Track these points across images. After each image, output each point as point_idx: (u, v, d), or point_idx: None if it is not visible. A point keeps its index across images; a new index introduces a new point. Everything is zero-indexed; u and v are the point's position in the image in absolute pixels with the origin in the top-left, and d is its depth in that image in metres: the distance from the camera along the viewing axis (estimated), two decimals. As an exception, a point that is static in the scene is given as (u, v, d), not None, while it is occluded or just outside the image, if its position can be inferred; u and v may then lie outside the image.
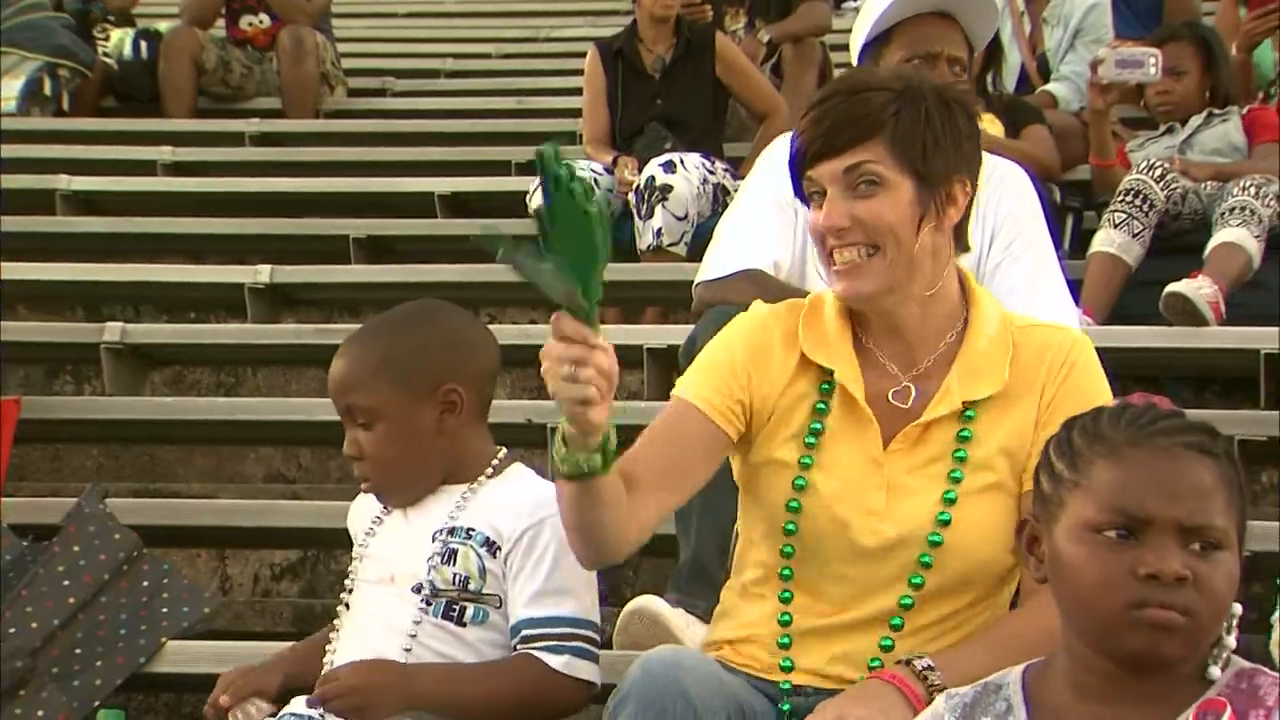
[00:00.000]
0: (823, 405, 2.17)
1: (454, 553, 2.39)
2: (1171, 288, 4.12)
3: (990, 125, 4.77)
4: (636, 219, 4.98)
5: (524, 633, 2.37)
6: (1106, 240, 4.40)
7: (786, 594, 2.17)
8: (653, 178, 4.94)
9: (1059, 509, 1.75)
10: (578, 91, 5.65)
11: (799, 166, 2.18)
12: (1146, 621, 1.69)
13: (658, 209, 4.92)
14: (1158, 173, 4.46)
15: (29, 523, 3.27)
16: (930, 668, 2.02)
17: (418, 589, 2.40)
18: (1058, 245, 4.59)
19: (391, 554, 2.45)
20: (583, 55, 5.61)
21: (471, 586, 2.39)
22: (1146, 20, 5.85)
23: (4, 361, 4.36)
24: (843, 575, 2.14)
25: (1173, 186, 4.49)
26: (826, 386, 2.18)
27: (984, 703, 1.79)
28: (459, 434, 2.42)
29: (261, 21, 6.90)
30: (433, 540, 2.41)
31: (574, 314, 1.87)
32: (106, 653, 2.90)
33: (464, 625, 2.39)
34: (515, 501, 2.41)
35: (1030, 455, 2.10)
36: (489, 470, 2.45)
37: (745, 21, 6.19)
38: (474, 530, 2.40)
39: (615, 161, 5.14)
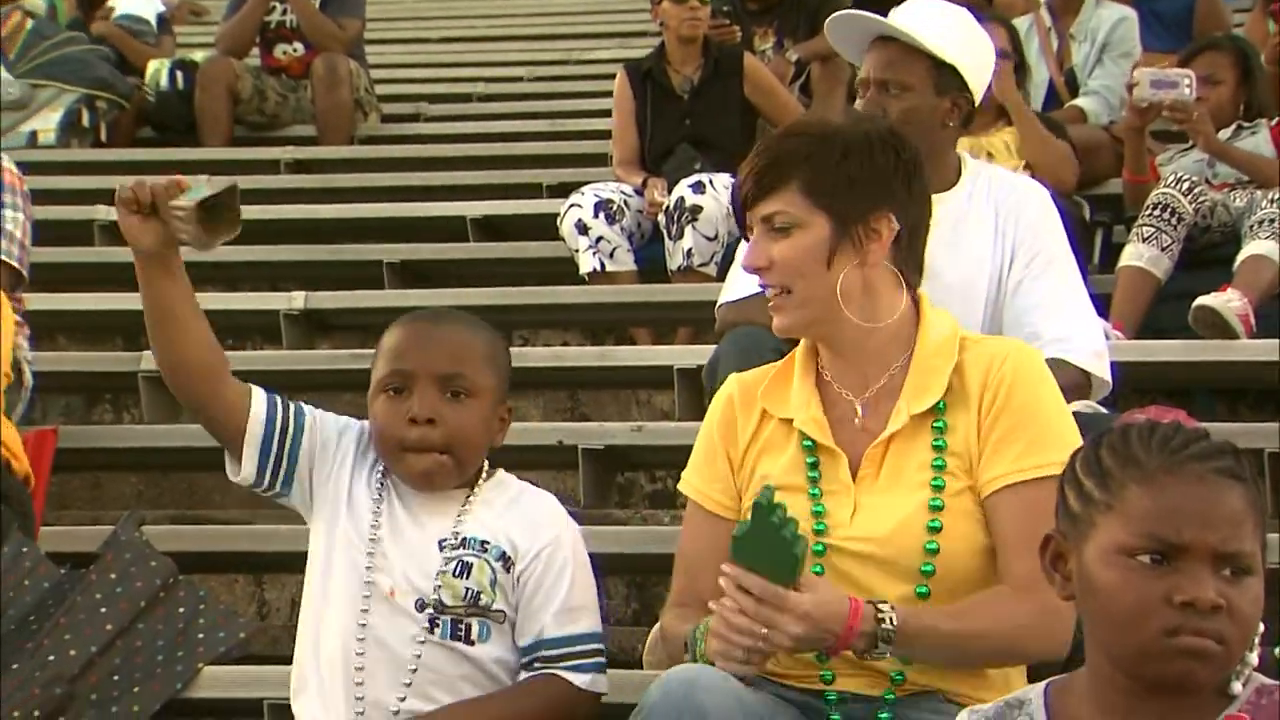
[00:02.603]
0: (813, 460, 2.29)
1: (468, 566, 2.37)
2: (1201, 301, 4.12)
3: (1011, 138, 4.78)
4: (667, 240, 5.03)
5: (544, 652, 2.36)
6: (1135, 254, 4.41)
7: None
8: (682, 199, 4.97)
9: (1089, 529, 1.75)
10: (608, 113, 5.68)
11: (740, 203, 2.35)
12: (1182, 649, 1.69)
13: (687, 230, 4.95)
14: (1185, 186, 4.46)
15: (69, 551, 3.31)
16: (889, 610, 2.11)
17: (421, 605, 2.35)
18: (1085, 261, 4.60)
19: (388, 564, 2.38)
20: (613, 77, 5.65)
21: (482, 601, 2.36)
22: (1176, 33, 5.85)
23: (44, 391, 4.40)
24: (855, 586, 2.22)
25: (1201, 200, 4.49)
26: (809, 444, 2.30)
27: (1007, 717, 1.80)
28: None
29: (296, 50, 6.98)
30: (440, 550, 2.38)
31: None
32: (144, 679, 2.92)
33: (472, 644, 2.36)
34: (530, 516, 2.40)
35: (975, 465, 2.22)
36: (482, 477, 2.44)
37: (774, 41, 6.21)
38: (489, 543, 2.38)
39: (645, 183, 5.18)
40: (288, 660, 3.41)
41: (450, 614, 2.35)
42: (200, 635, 3.01)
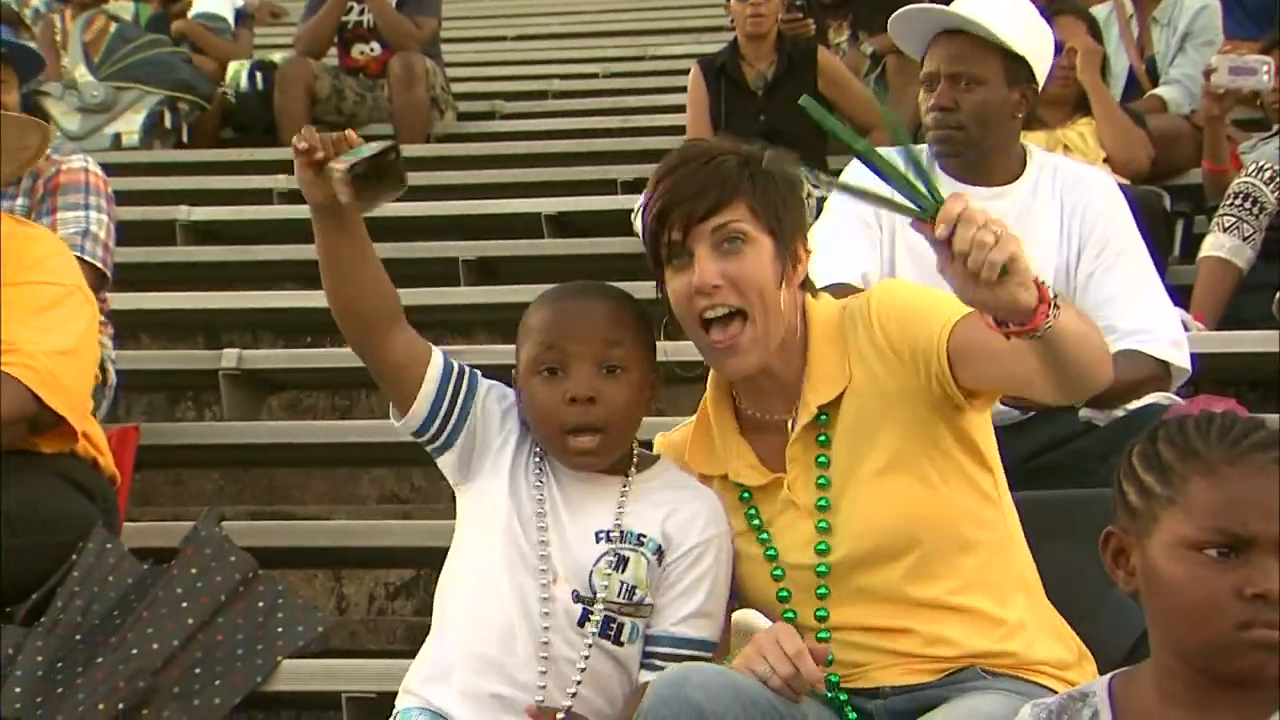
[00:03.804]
0: (752, 510, 2.33)
1: (625, 560, 2.31)
2: (1285, 291, 4.06)
3: (1088, 130, 4.73)
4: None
5: (664, 649, 2.31)
6: (1216, 244, 4.35)
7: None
8: (756, 192, 4.96)
9: (1151, 524, 1.74)
10: (683, 109, 5.68)
11: (657, 229, 2.27)
12: (1255, 642, 1.68)
13: (763, 223, 4.94)
14: (1267, 175, 4.39)
15: (152, 546, 3.36)
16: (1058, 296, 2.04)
17: (577, 598, 2.29)
18: (1165, 252, 4.55)
19: (550, 548, 2.31)
20: (687, 73, 5.65)
21: (636, 596, 2.30)
22: (1259, 20, 5.75)
23: (127, 389, 4.47)
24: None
25: (1283, 188, 4.42)
26: (746, 495, 2.33)
27: (1070, 710, 1.79)
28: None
29: (373, 50, 7.03)
30: (597, 541, 2.31)
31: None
32: (224, 672, 2.96)
33: (621, 645, 2.30)
34: (690, 511, 2.34)
35: (927, 361, 2.21)
36: (634, 463, 2.38)
37: (848, 34, 6.19)
38: (646, 537, 2.32)
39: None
40: (367, 655, 3.46)
41: (605, 610, 2.30)
42: (279, 629, 3.05)
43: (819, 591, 2.27)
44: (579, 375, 2.30)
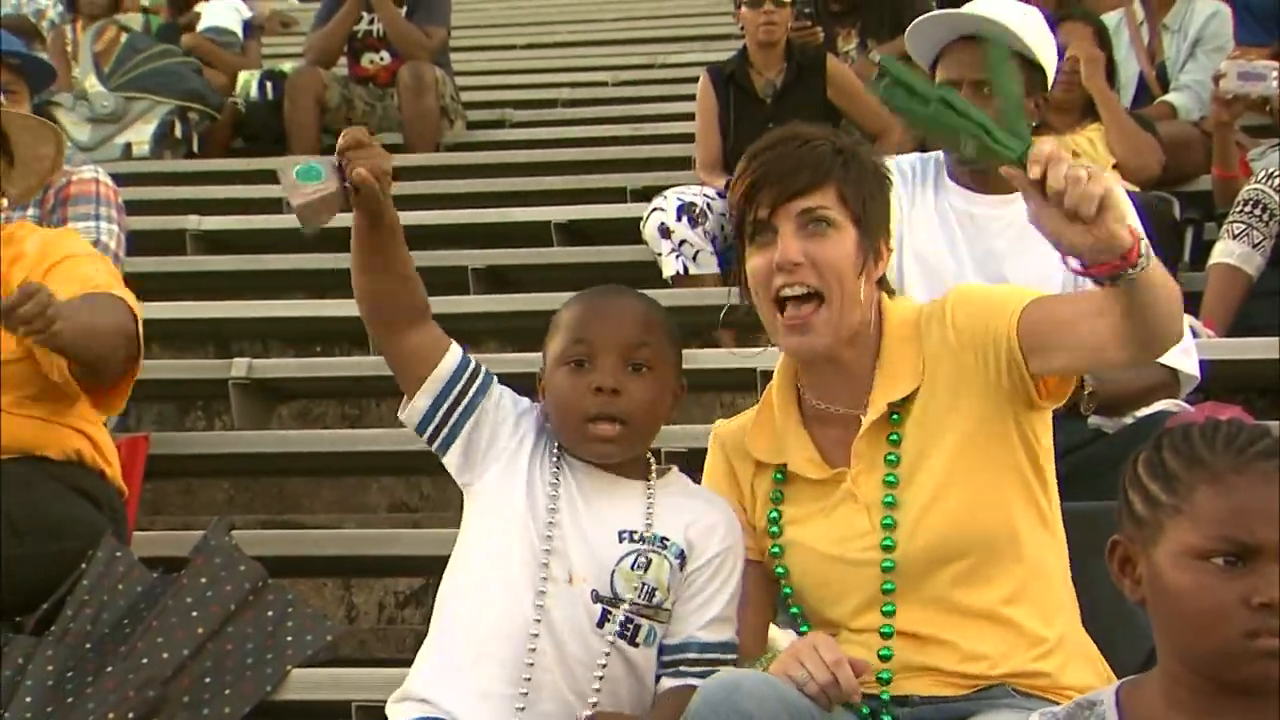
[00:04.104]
0: (777, 494, 2.34)
1: (648, 561, 2.30)
2: (1294, 297, 4.05)
3: (1097, 135, 4.73)
4: (751, 243, 5.01)
5: (690, 655, 2.31)
6: (1226, 251, 4.34)
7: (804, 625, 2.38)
8: (766, 201, 4.96)
9: (1157, 532, 1.74)
10: (692, 117, 5.68)
11: (744, 206, 2.27)
12: (1262, 651, 1.68)
13: (771, 232, 4.94)
14: (1276, 181, 4.39)
15: (162, 555, 3.37)
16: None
17: (596, 597, 2.29)
18: (1175, 258, 4.54)
19: (567, 546, 2.32)
20: (696, 81, 5.65)
21: (656, 598, 2.30)
22: (1269, 27, 5.74)
23: (137, 399, 4.48)
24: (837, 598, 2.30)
25: (1293, 194, 4.41)
26: (779, 477, 2.34)
27: (1079, 717, 1.79)
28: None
29: (382, 59, 7.04)
30: (620, 541, 2.32)
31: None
32: (234, 681, 2.96)
33: (636, 646, 2.31)
34: (709, 519, 2.35)
35: (997, 347, 2.21)
36: (654, 471, 2.40)
37: (857, 42, 6.19)
38: (669, 540, 2.33)
39: (728, 185, 5.16)
40: (376, 663, 3.46)
41: (623, 610, 2.30)
42: (289, 638, 3.05)
43: (885, 587, 2.25)
44: (605, 367, 2.33)
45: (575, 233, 5.71)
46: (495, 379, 2.43)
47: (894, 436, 2.27)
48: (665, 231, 5.06)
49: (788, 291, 2.24)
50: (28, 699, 2.79)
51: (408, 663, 2.57)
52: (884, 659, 2.23)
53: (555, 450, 2.39)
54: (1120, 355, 2.11)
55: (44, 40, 7.21)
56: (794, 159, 2.26)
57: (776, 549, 2.34)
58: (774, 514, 2.34)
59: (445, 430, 2.38)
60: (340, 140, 2.28)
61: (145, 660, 2.92)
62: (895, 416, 2.27)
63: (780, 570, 2.33)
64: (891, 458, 2.26)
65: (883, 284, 2.34)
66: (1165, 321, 2.07)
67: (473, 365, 2.41)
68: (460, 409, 2.37)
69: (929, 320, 2.30)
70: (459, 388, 2.38)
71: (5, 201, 3.25)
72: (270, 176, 6.58)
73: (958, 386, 2.25)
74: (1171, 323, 2.08)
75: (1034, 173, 1.91)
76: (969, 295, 2.31)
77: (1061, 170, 1.90)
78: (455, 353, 2.39)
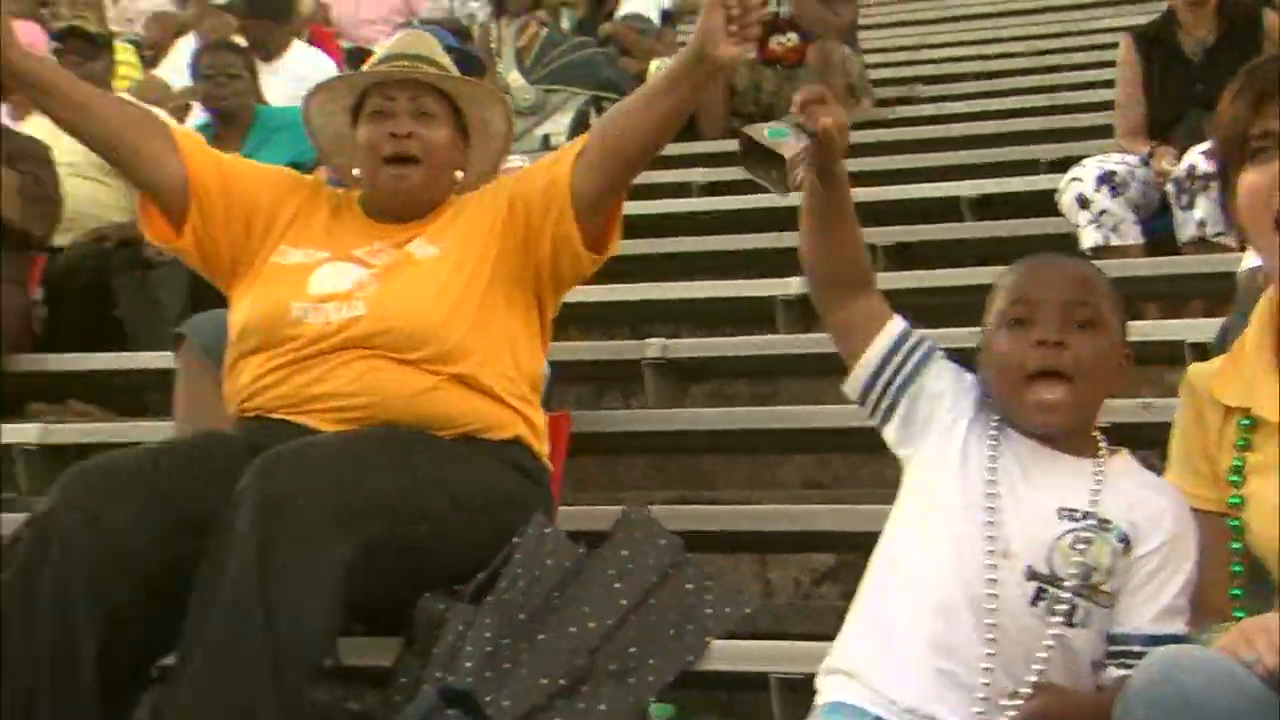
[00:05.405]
0: (1243, 440, 2.18)
1: (1088, 542, 2.23)
2: None
3: None
4: (1176, 210, 4.81)
5: (1134, 647, 2.23)
6: None
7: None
8: (1193, 166, 4.75)
9: None
10: (1109, 84, 5.50)
11: (1250, 120, 2.13)
12: None
13: (1200, 198, 4.73)
14: None
15: (586, 530, 3.48)
16: None
17: (1031, 574, 2.23)
18: None
19: (1004, 519, 2.26)
20: (1113, 47, 5.46)
21: (1094, 579, 2.23)
22: None
23: (559, 380, 4.65)
24: None
25: None
26: (1246, 422, 2.18)
27: None
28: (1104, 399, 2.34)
29: (790, 40, 7.07)
30: (1059, 518, 2.25)
31: None
32: (658, 652, 3.03)
33: (1073, 626, 2.23)
34: (1158, 504, 2.27)
35: None
36: (1101, 449, 2.33)
37: (1296, -4, 5.83)
38: (1110, 523, 2.25)
39: (1152, 152, 4.98)
40: (793, 638, 3.48)
41: (1060, 589, 2.24)
42: (708, 610, 3.10)
43: None
44: (1048, 321, 2.28)
45: (985, 207, 5.61)
46: (938, 352, 2.41)
47: None
48: (1083, 202, 4.91)
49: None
50: (468, 664, 2.93)
51: (827, 638, 2.58)
52: None
53: (994, 422, 2.34)
54: None
55: (472, 38, 7.57)
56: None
57: (1236, 499, 2.20)
58: (1238, 461, 2.20)
59: (885, 402, 2.39)
60: (801, 96, 2.34)
61: (574, 629, 3.02)
62: None
63: (1235, 524, 2.19)
64: None
65: None
66: None
67: (914, 338, 2.40)
68: (899, 381, 2.37)
69: None
70: (898, 359, 2.38)
71: (460, 175, 3.43)
72: (680, 161, 6.72)
73: None
74: None
75: None
76: None
77: None
78: (896, 324, 2.40)
